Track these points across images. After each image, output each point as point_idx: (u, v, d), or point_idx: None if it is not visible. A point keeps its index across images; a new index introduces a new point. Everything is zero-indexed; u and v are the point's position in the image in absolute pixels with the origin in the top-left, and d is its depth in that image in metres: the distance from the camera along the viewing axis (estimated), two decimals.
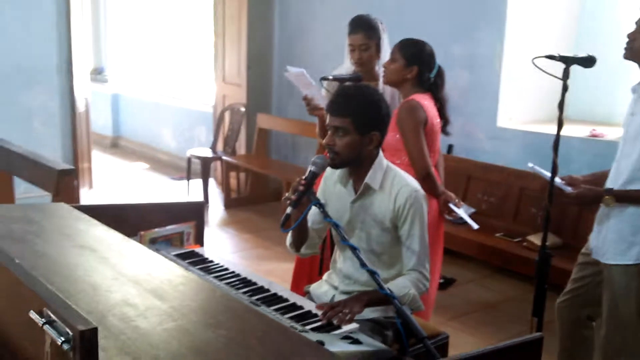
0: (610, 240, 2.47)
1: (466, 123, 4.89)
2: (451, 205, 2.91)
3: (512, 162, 4.46)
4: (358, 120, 2.16)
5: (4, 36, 5.20)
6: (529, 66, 2.55)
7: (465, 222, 2.99)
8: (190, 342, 1.37)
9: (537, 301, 2.56)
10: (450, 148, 4.92)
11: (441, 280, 4.21)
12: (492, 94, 4.72)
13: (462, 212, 2.94)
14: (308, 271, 3.34)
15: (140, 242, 2.53)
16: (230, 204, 6.03)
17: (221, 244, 5.03)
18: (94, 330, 0.98)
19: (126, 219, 2.57)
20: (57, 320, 1.03)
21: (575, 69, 2.47)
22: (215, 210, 5.98)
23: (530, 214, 4.20)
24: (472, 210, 4.44)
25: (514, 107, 4.75)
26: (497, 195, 4.45)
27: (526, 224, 4.18)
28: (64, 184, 3.35)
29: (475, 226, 3.00)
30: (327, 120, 2.25)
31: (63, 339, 1.01)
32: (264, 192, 6.10)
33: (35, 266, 1.61)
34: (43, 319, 1.05)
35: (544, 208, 2.60)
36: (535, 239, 3.84)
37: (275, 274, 4.15)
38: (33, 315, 1.07)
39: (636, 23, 2.38)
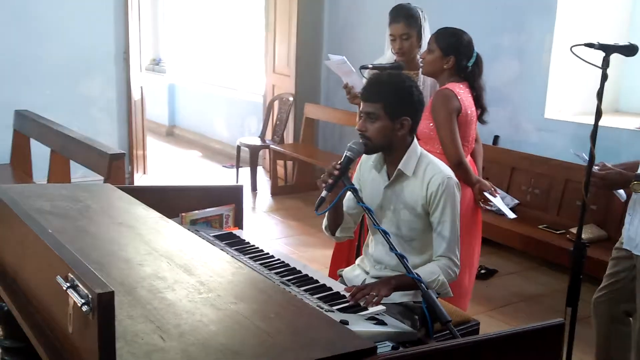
0: None
1: (513, 114, 4.84)
2: (486, 194, 2.90)
3: (559, 154, 4.38)
4: (388, 106, 2.19)
5: (64, 27, 5.46)
6: (585, 56, 2.48)
7: (503, 213, 2.98)
8: (212, 313, 1.45)
9: (571, 291, 2.53)
10: (495, 139, 4.88)
11: (483, 271, 4.20)
12: (541, 85, 4.64)
13: (498, 201, 2.93)
14: (346, 257, 3.40)
15: (182, 223, 2.63)
16: (277, 191, 6.15)
17: (267, 230, 5.15)
18: (111, 294, 1.06)
19: (169, 201, 2.69)
20: (79, 284, 1.12)
21: (630, 61, 2.40)
22: (263, 197, 6.11)
23: (575, 207, 4.13)
24: (516, 201, 4.41)
25: (562, 98, 4.67)
26: (542, 187, 4.39)
27: (570, 216, 4.10)
28: (114, 168, 3.52)
29: (511, 216, 2.99)
30: (361, 107, 2.30)
31: (83, 301, 1.10)
32: (310, 181, 6.18)
33: (74, 240, 1.73)
34: (67, 284, 1.15)
35: (581, 199, 2.57)
36: None
37: (318, 260, 4.22)
38: (59, 279, 1.17)
39: None
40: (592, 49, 2.47)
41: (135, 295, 1.50)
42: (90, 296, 1.09)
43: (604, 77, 2.44)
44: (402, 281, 2.16)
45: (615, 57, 2.53)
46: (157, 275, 1.63)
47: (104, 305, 1.06)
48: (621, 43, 2.49)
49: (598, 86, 2.46)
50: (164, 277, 1.62)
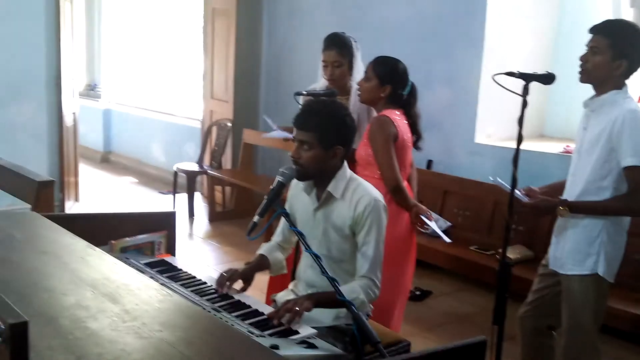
0: (568, 251, 2.55)
1: (446, 139, 4.98)
2: (423, 218, 2.98)
3: (489, 177, 4.53)
4: (322, 135, 2.24)
5: None
6: (508, 84, 2.59)
7: (439, 236, 3.06)
8: (135, 342, 1.43)
9: (497, 310, 2.61)
10: (429, 163, 5.01)
11: (417, 293, 4.28)
12: (470, 112, 4.81)
13: (434, 225, 3.01)
14: (283, 281, 3.40)
15: (111, 251, 2.58)
16: (214, 217, 6.10)
17: (203, 256, 5.09)
18: (24, 324, 1.04)
19: (99, 229, 2.63)
20: None
21: (555, 89, 2.51)
22: (200, 223, 6.04)
23: (504, 228, 4.26)
24: (449, 224, 4.52)
25: (491, 124, 4.84)
26: (473, 209, 4.53)
27: (500, 237, 4.18)
28: (42, 196, 3.41)
29: (448, 240, 3.08)
30: (294, 133, 2.34)
31: None
32: (248, 206, 6.15)
33: None
34: None
35: (504, 220, 2.67)
36: (509, 252, 3.88)
37: (256, 286, 4.11)
38: None
39: (586, 45, 2.48)
40: (513, 78, 2.58)
41: (56, 325, 1.47)
42: (2, 327, 1.06)
43: (524, 104, 2.55)
44: (324, 297, 2.19)
45: (541, 86, 2.66)
46: (80, 304, 1.60)
47: (17, 336, 1.03)
48: (540, 72, 2.61)
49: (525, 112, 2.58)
50: (87, 307, 1.59)
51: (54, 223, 2.30)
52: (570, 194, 2.56)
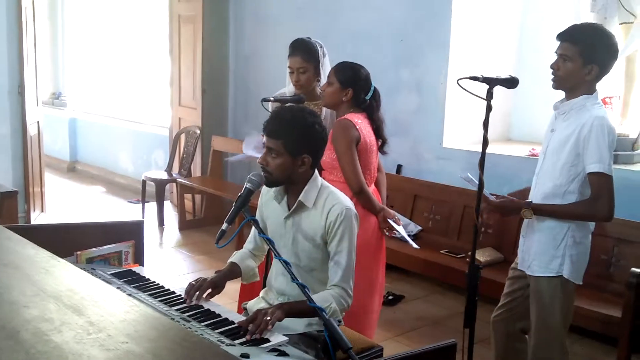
0: (534, 252, 2.57)
1: (414, 144, 5.01)
2: (391, 222, 2.98)
3: (457, 181, 4.57)
4: (289, 143, 2.23)
5: None
6: (473, 88, 2.61)
7: (407, 241, 3.07)
8: (100, 354, 1.40)
9: (467, 313, 2.63)
10: (399, 168, 5.03)
11: (390, 297, 4.28)
12: (438, 116, 4.85)
13: (402, 229, 3.02)
14: (254, 289, 3.37)
15: (77, 261, 2.54)
16: (184, 225, 6.03)
17: (174, 266, 5.03)
18: None
19: (64, 239, 2.58)
20: None
21: (520, 92, 2.54)
22: (170, 232, 5.97)
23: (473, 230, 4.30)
24: (419, 228, 4.55)
25: (458, 128, 4.89)
26: (442, 213, 4.55)
27: (469, 240, 4.25)
28: (6, 206, 3.35)
29: (416, 246, 3.09)
30: (264, 139, 2.33)
31: None
32: (219, 214, 6.10)
33: None
34: None
35: (473, 222, 2.69)
36: (478, 255, 3.93)
37: (227, 294, 4.11)
38: None
39: (556, 52, 2.51)
40: (477, 82, 2.61)
41: (18, 339, 1.43)
42: None
43: (489, 108, 2.58)
44: (295, 307, 2.18)
45: (507, 90, 2.69)
46: (43, 317, 1.56)
47: None
48: (503, 76, 2.64)
49: (492, 116, 2.60)
50: (51, 319, 1.55)
51: (16, 234, 2.25)
52: (535, 194, 2.59)
